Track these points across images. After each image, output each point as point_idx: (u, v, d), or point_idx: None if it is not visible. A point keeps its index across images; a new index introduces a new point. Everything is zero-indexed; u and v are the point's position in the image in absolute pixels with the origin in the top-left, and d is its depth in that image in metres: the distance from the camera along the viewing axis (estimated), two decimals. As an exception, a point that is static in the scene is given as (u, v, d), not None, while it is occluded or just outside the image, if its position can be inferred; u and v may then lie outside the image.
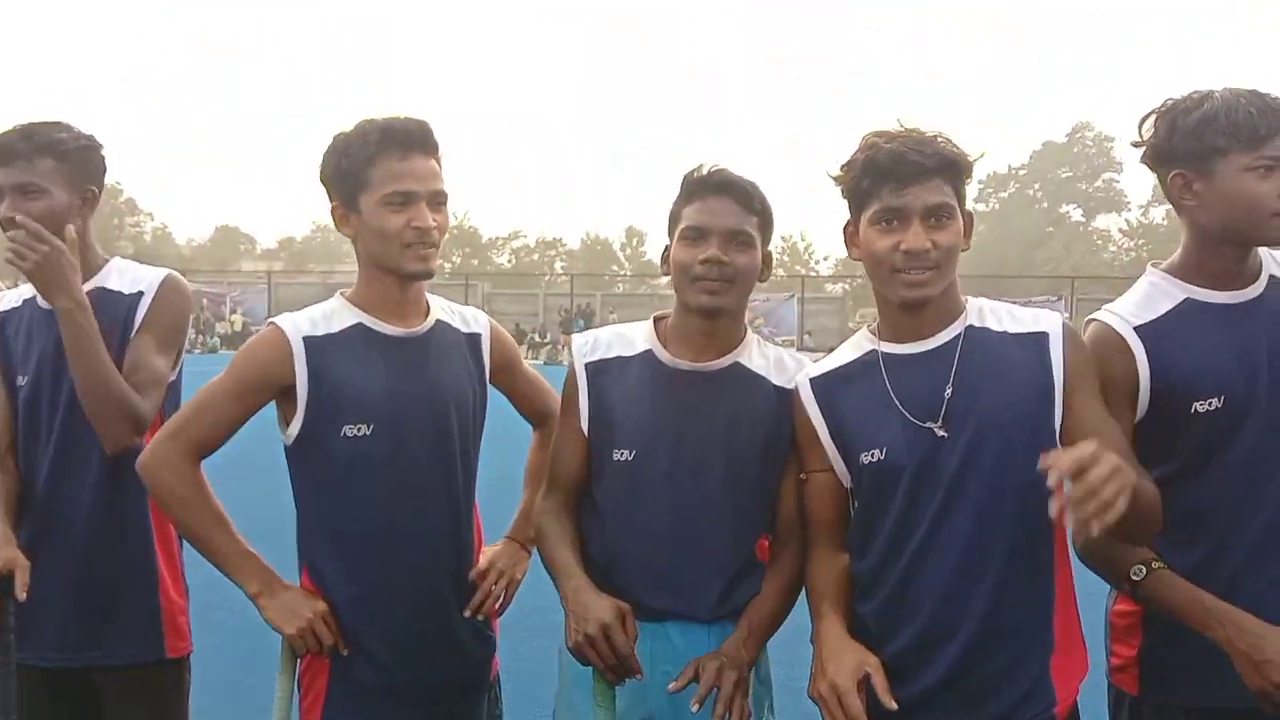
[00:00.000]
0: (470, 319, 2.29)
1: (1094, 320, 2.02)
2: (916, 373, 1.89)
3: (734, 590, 2.03)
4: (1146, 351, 1.93)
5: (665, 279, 2.09)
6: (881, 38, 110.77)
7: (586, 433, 2.08)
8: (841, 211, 1.94)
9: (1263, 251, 2.00)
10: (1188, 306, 1.97)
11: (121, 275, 2.40)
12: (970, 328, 1.90)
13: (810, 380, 1.99)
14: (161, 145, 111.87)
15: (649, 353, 2.08)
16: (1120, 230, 62.54)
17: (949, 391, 1.84)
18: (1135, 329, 1.95)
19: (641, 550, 2.03)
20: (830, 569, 1.96)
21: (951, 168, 1.85)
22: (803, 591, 2.03)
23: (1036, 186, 64.03)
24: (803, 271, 58.93)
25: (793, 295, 41.66)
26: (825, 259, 65.70)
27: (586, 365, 2.11)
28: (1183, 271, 2.00)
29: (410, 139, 2.06)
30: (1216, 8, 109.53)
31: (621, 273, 68.90)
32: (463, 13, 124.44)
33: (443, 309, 2.26)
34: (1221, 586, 1.88)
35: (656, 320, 2.13)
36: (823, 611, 1.91)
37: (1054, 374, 1.85)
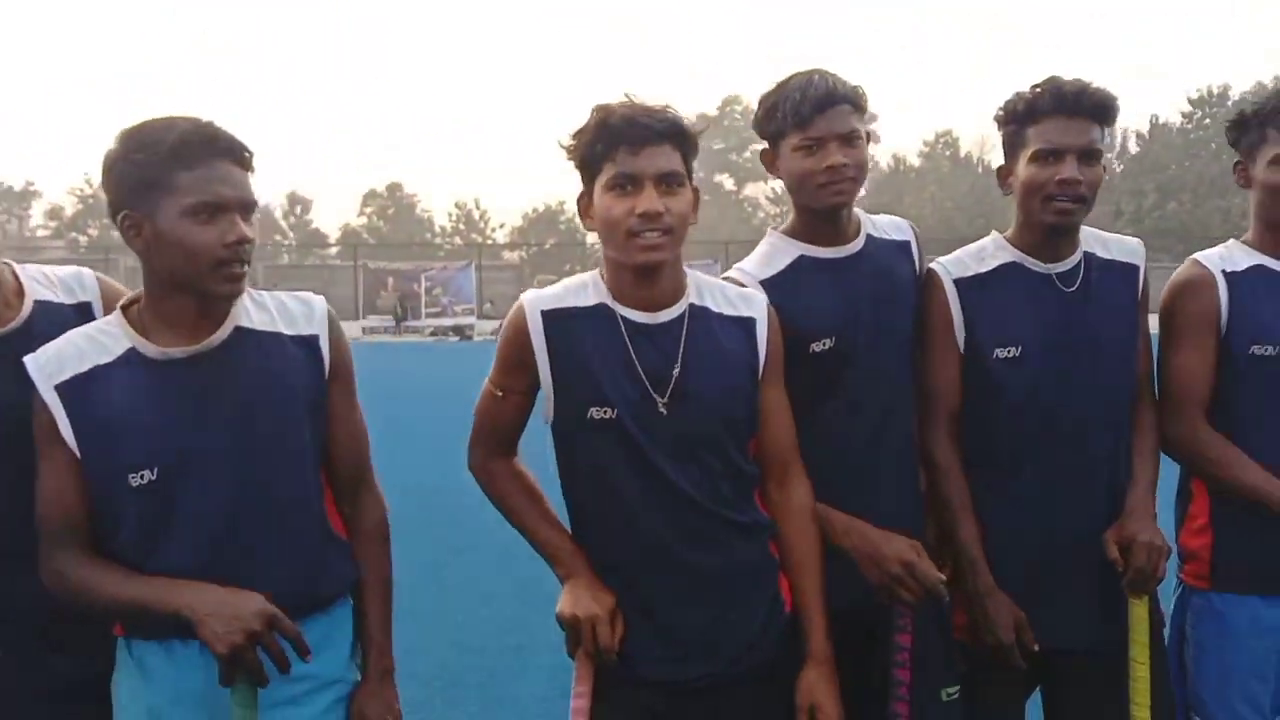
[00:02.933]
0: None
1: (727, 277, 2.21)
2: (650, 343, 1.93)
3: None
4: (772, 301, 2.10)
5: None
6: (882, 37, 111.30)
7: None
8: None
9: (861, 215, 2.29)
10: (803, 262, 2.21)
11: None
12: (693, 306, 1.97)
13: (541, 312, 1.95)
14: None
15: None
16: (766, 198, 67.79)
17: (677, 370, 1.91)
18: (760, 283, 2.16)
19: None
20: None
21: (681, 136, 1.89)
22: None
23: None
24: (479, 239, 58.77)
25: (470, 263, 41.43)
26: (501, 226, 65.87)
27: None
28: (796, 233, 2.25)
29: None
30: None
31: (286, 242, 65.22)
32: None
33: None
34: (838, 496, 2.14)
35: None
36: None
37: (759, 358, 2.00)
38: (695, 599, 1.93)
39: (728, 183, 68.60)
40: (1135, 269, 2.32)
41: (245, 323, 1.86)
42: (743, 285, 2.15)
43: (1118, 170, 53.62)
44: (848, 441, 2.20)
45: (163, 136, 1.73)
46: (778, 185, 2.33)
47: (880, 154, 69.87)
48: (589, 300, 1.97)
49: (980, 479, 2.28)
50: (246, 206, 1.79)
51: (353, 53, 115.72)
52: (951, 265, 2.31)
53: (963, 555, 2.24)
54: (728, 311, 2.01)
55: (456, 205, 66.06)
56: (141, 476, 1.76)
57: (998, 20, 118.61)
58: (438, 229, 67.11)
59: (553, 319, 1.95)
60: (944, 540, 2.30)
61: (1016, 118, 2.24)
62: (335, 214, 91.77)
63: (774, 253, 2.24)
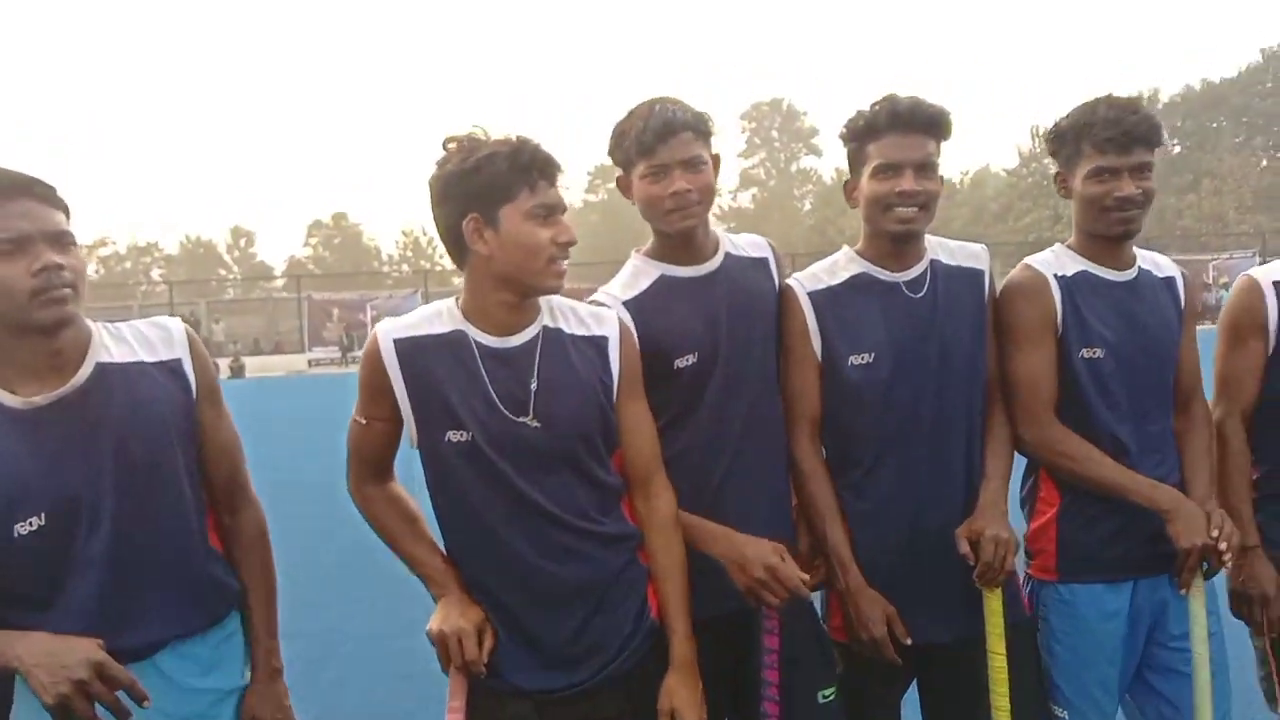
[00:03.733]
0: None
1: (593, 300, 2.27)
2: (504, 367, 2.00)
3: None
4: (635, 321, 2.20)
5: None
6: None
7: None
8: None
9: (721, 235, 2.40)
10: (664, 281, 2.30)
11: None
12: (546, 328, 2.04)
13: (394, 341, 2.00)
14: None
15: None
16: (714, 214, 68.09)
17: (532, 390, 1.98)
18: (624, 303, 2.25)
19: None
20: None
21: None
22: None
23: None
24: (427, 266, 58.56)
25: (417, 290, 41.23)
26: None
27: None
28: (657, 254, 2.35)
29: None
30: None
31: (230, 276, 64.51)
32: None
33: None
34: (709, 504, 2.23)
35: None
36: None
37: (613, 375, 2.07)
38: (560, 611, 1.99)
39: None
40: (980, 273, 2.43)
41: (105, 358, 1.89)
42: (608, 307, 2.21)
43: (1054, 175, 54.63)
44: (715, 451, 2.27)
45: None
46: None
47: (824, 168, 70.74)
48: (443, 328, 2.02)
49: (844, 481, 2.38)
50: (51, 237, 1.80)
51: (295, 83, 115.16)
52: (806, 280, 2.41)
53: (832, 555, 2.33)
54: (580, 331, 2.08)
55: (404, 233, 65.86)
56: (30, 524, 1.79)
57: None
58: (385, 257, 66.79)
59: (406, 348, 2.00)
60: (815, 542, 2.38)
61: (858, 135, 2.34)
62: (280, 246, 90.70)
63: (637, 274, 2.32)
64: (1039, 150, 56.43)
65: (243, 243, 68.44)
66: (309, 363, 35.50)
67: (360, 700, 4.42)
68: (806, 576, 2.13)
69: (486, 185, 1.91)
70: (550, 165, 1.96)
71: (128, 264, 66.97)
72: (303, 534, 6.86)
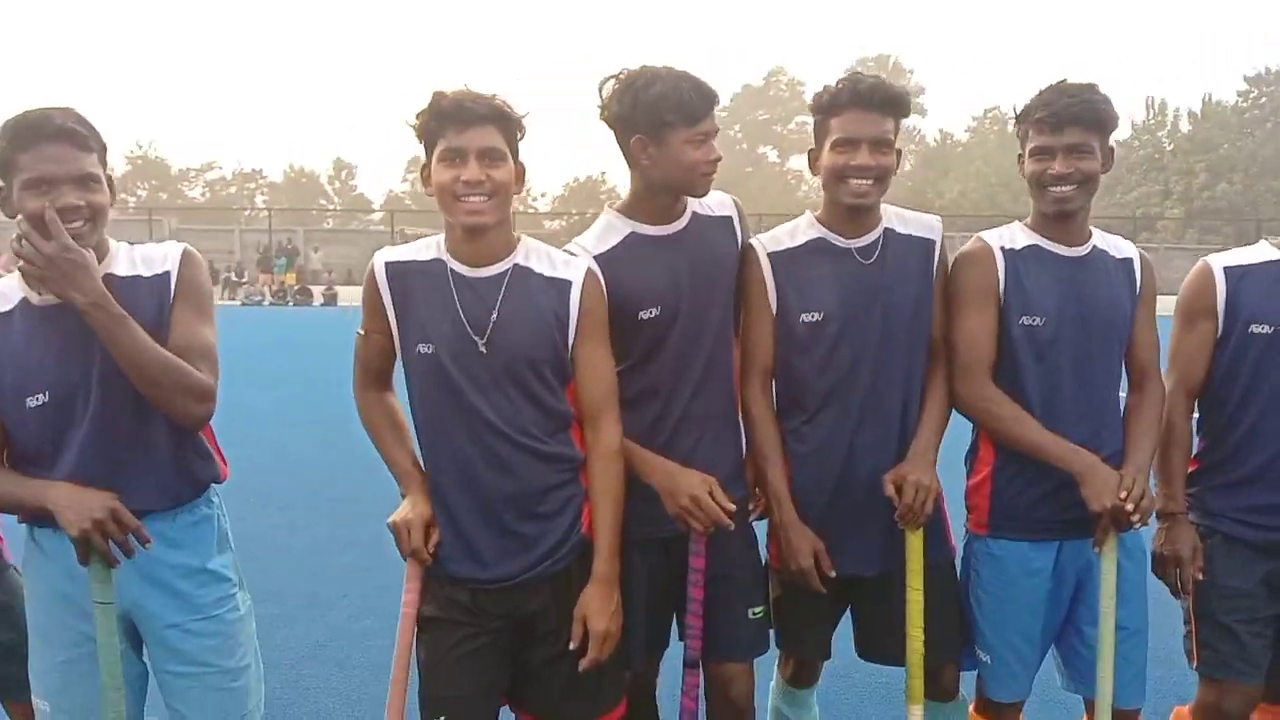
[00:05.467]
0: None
1: (568, 249, 2.46)
2: (472, 293, 2.24)
3: None
4: (605, 274, 2.39)
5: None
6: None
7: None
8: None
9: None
10: (633, 238, 2.47)
11: (132, 259, 2.30)
12: (517, 265, 2.27)
13: (386, 264, 2.30)
14: None
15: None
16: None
17: (494, 317, 2.22)
18: (595, 256, 2.41)
19: None
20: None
21: (502, 119, 2.22)
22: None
23: (736, 128, 67.56)
24: (521, 209, 59.15)
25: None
26: (543, 195, 66.22)
27: None
28: (630, 211, 2.50)
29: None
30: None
31: (330, 207, 66.17)
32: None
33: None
34: (664, 440, 2.46)
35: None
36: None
37: (570, 315, 2.28)
38: (492, 515, 2.26)
39: (771, 154, 68.28)
40: (931, 242, 2.61)
41: (113, 270, 2.25)
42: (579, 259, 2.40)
43: (1168, 149, 52.50)
44: (673, 393, 2.50)
45: (6, 126, 2.11)
46: None
47: (927, 128, 69.12)
48: (428, 256, 2.30)
49: (789, 425, 2.61)
50: (76, 179, 2.12)
51: (399, 20, 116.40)
52: (767, 240, 2.61)
53: (770, 491, 2.57)
54: (548, 273, 2.30)
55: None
56: (37, 399, 2.18)
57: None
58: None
59: (395, 271, 2.29)
60: (757, 479, 2.63)
61: (821, 109, 2.53)
62: (380, 180, 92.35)
63: (608, 229, 2.50)
64: (1153, 122, 54.28)
65: (344, 175, 70.05)
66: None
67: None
68: (732, 507, 2.34)
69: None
70: (462, 113, 2.17)
71: (233, 189, 69.27)
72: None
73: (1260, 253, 2.67)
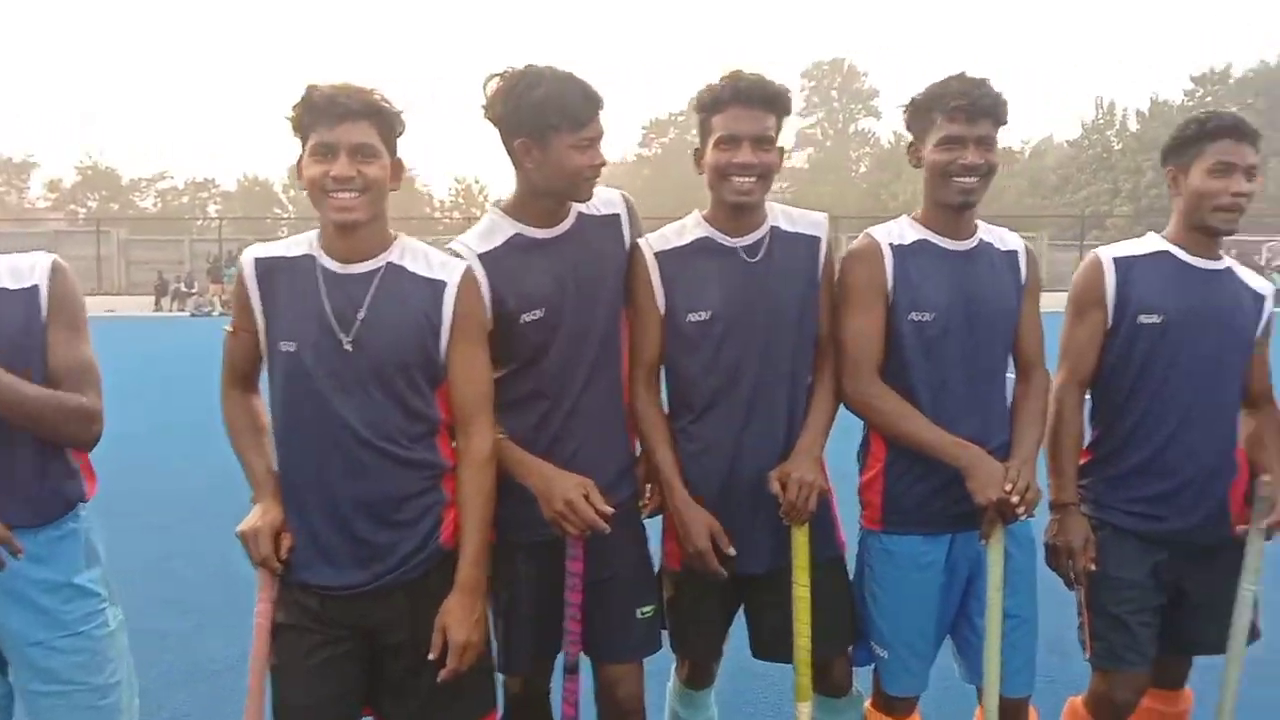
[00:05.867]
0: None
1: (449, 248, 2.41)
2: (340, 290, 2.19)
3: None
4: (488, 274, 2.36)
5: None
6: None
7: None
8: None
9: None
10: (517, 240, 2.42)
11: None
12: (390, 263, 2.22)
13: (255, 260, 2.26)
14: None
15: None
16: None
17: (361, 315, 2.17)
18: (479, 256, 2.38)
19: None
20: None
21: (377, 114, 2.16)
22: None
23: (693, 133, 67.23)
24: (478, 214, 58.90)
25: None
26: (498, 202, 65.78)
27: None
28: (515, 212, 2.45)
29: None
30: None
31: (284, 216, 65.42)
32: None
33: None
34: (549, 442, 2.43)
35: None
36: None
37: (443, 317, 2.22)
38: (345, 521, 2.19)
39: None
40: (817, 240, 2.60)
41: None
42: (462, 258, 2.34)
43: (1116, 148, 53.38)
44: (560, 396, 2.47)
45: None
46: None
47: (882, 130, 69.77)
48: (298, 252, 2.24)
49: (678, 424, 2.59)
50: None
51: (354, 27, 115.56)
52: (655, 240, 2.59)
53: (661, 478, 2.56)
54: (423, 273, 2.23)
55: (456, 180, 66.31)
56: None
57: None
58: (436, 204, 67.30)
59: (264, 267, 2.24)
60: (649, 470, 2.62)
61: (704, 107, 2.51)
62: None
63: (492, 229, 2.44)
64: (1102, 121, 55.17)
65: (299, 183, 69.34)
66: (353, 304, 36.00)
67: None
68: (608, 510, 2.30)
69: None
70: (333, 107, 2.11)
71: (185, 198, 68.29)
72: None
73: (1149, 244, 2.70)
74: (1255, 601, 2.63)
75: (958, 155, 2.48)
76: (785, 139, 2.63)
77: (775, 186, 2.61)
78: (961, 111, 2.46)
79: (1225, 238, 2.64)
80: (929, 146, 2.53)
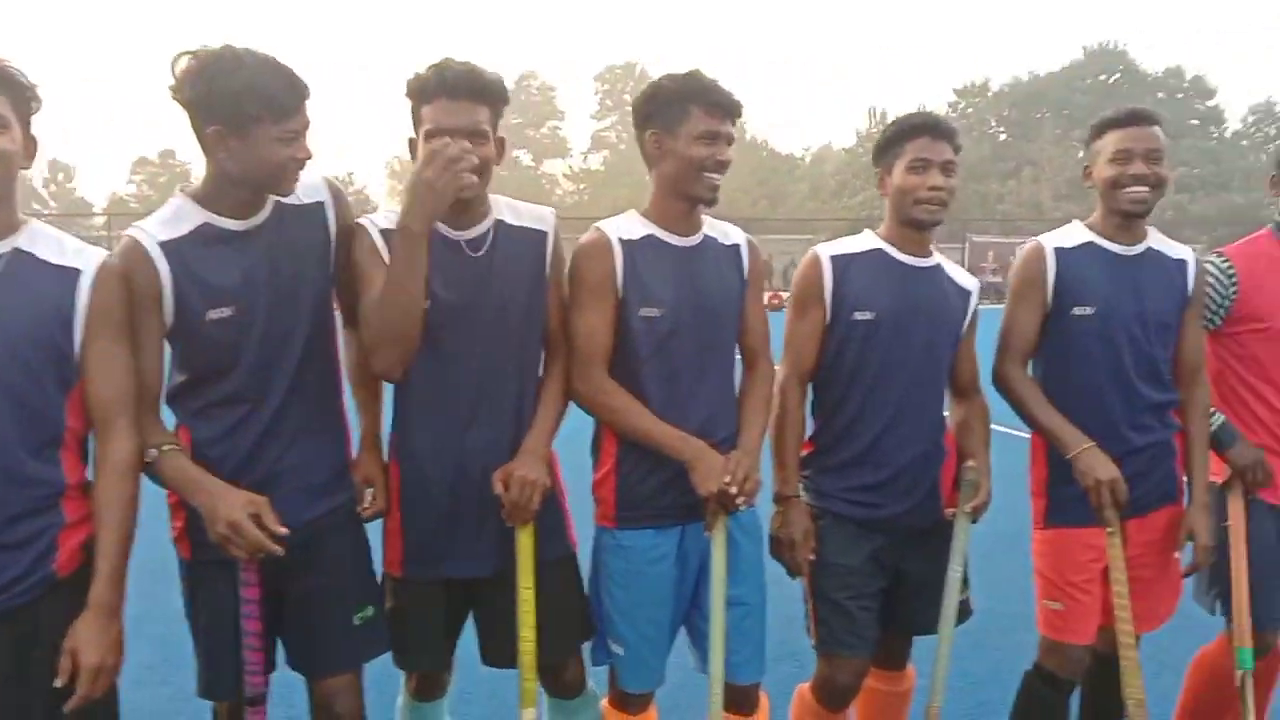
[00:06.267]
0: None
1: (126, 234, 2.22)
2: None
3: None
4: (171, 264, 2.17)
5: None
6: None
7: None
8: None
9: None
10: (206, 229, 2.22)
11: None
12: (17, 249, 2.02)
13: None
14: None
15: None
16: (564, 175, 67.94)
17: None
18: (160, 244, 2.18)
19: None
20: None
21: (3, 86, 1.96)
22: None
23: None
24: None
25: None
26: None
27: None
28: (205, 201, 2.23)
29: None
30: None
31: (45, 212, 60.29)
32: None
33: None
34: (248, 451, 2.28)
35: None
36: None
37: (76, 309, 2.03)
38: None
39: (525, 158, 68.30)
40: (543, 234, 2.54)
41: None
42: (140, 245, 2.16)
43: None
44: (260, 401, 2.28)
45: None
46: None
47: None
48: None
49: (396, 424, 2.52)
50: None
51: (130, 21, 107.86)
52: (380, 219, 2.40)
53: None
54: (54, 260, 2.04)
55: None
56: None
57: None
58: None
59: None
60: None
61: (414, 96, 2.37)
62: (103, 183, 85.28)
63: (179, 215, 2.22)
64: (876, 132, 58.42)
65: (60, 177, 64.17)
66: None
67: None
68: (280, 530, 2.13)
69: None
70: None
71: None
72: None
73: (864, 242, 2.80)
74: (965, 580, 2.78)
75: (715, 151, 2.50)
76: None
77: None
78: (721, 107, 2.50)
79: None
80: (685, 139, 2.50)
